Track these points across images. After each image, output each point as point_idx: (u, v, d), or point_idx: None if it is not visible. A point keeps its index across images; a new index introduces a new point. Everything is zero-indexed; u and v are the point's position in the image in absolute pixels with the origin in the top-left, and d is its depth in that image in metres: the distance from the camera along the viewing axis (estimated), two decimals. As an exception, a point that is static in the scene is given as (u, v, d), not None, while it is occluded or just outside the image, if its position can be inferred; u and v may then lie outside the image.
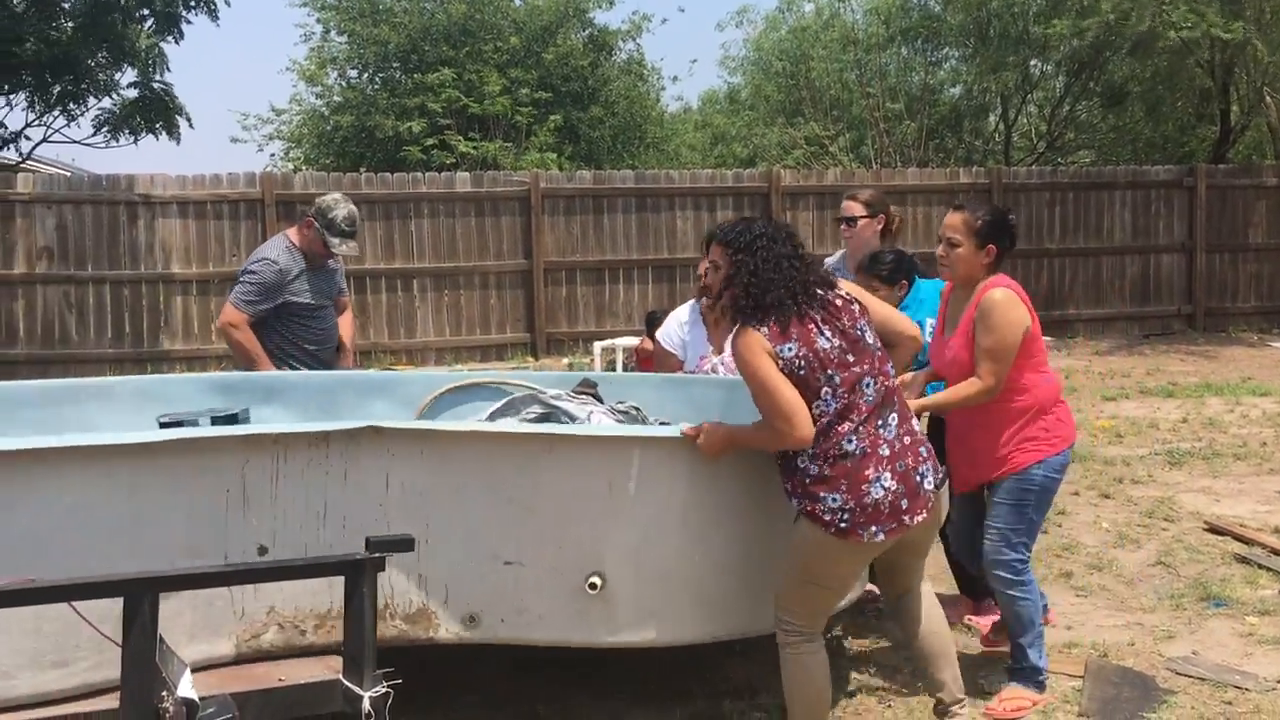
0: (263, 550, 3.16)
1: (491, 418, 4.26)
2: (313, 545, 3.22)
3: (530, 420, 4.16)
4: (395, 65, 21.03)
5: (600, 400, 4.45)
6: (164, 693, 2.84)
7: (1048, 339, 14.01)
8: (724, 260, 3.31)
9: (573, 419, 4.14)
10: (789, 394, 3.12)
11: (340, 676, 3.12)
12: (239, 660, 3.24)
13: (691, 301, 5.06)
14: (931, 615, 3.55)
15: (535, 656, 4.43)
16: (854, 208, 4.99)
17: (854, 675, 4.20)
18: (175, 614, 3.04)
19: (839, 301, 3.30)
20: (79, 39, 14.14)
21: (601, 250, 13.82)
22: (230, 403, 4.56)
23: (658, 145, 24.35)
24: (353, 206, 5.30)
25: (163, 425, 4.05)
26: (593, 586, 3.31)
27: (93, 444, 3.06)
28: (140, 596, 2.82)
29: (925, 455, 3.29)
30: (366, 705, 3.08)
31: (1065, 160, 21.17)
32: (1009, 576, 3.88)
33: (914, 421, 3.36)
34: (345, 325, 5.58)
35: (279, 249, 5.27)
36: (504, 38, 20.46)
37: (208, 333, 12.80)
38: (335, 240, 5.19)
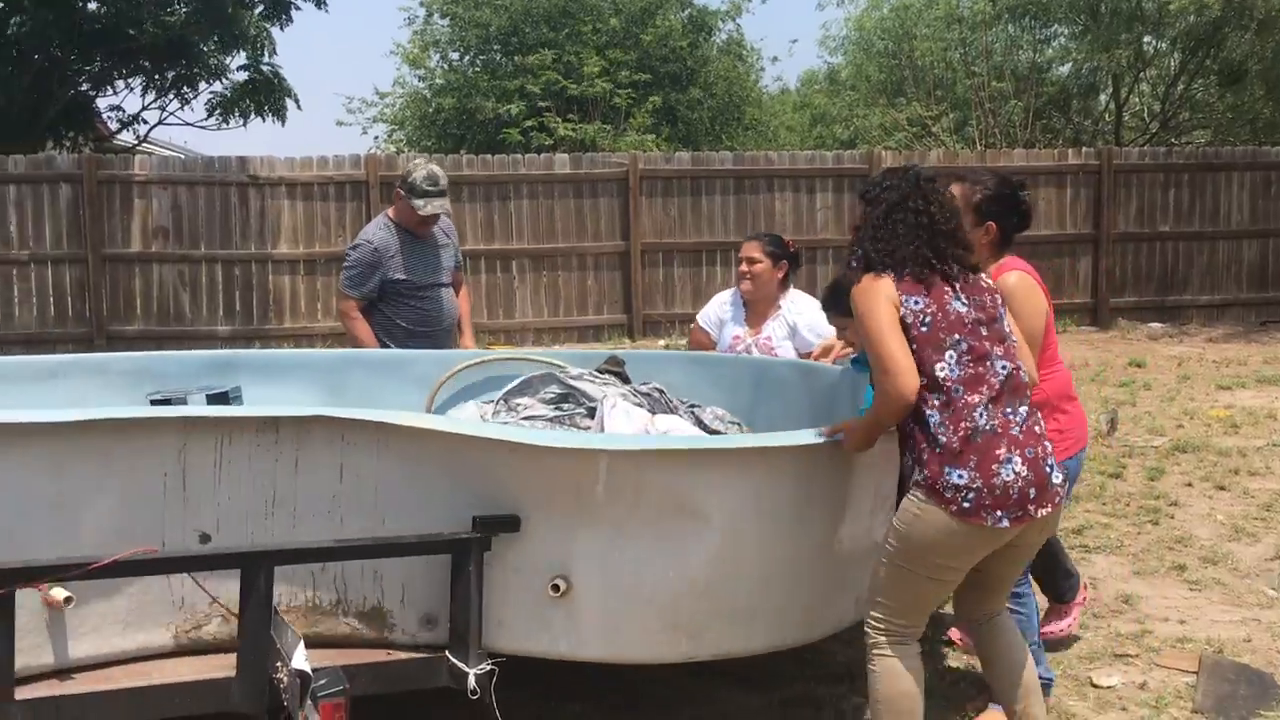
0: (204, 538, 3.01)
1: (507, 396, 4.13)
2: (258, 534, 3.07)
3: (546, 400, 4.04)
4: (496, 48, 21.23)
5: (625, 379, 4.32)
6: (278, 664, 2.93)
7: (1161, 325, 13.67)
8: (861, 217, 3.21)
9: (590, 400, 4.01)
10: (895, 344, 2.93)
11: (447, 653, 3.19)
12: (178, 652, 3.10)
13: (729, 291, 4.99)
14: (1021, 644, 3.26)
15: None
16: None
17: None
18: (109, 601, 2.96)
19: (982, 283, 3.14)
20: (192, 24, 14.56)
21: (699, 232, 13.77)
22: (230, 381, 4.50)
23: (756, 127, 24.18)
24: (434, 167, 5.12)
25: (153, 403, 4.04)
26: (555, 589, 3.12)
27: (13, 421, 2.91)
28: (256, 569, 2.91)
29: (1051, 450, 3.06)
30: (472, 682, 3.14)
31: (1179, 141, 20.46)
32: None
33: (1040, 416, 3.12)
34: (460, 304, 5.43)
35: (376, 227, 5.24)
36: (603, 19, 20.50)
37: (314, 311, 13.10)
38: (420, 202, 5.05)
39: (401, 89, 22.80)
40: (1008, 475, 2.90)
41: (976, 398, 2.94)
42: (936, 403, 2.95)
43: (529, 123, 19.15)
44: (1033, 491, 2.93)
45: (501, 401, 4.13)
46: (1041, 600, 4.50)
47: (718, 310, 4.92)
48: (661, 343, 13.06)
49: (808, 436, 3.25)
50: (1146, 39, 19.11)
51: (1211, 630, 4.47)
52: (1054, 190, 14.07)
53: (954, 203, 3.21)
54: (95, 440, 2.93)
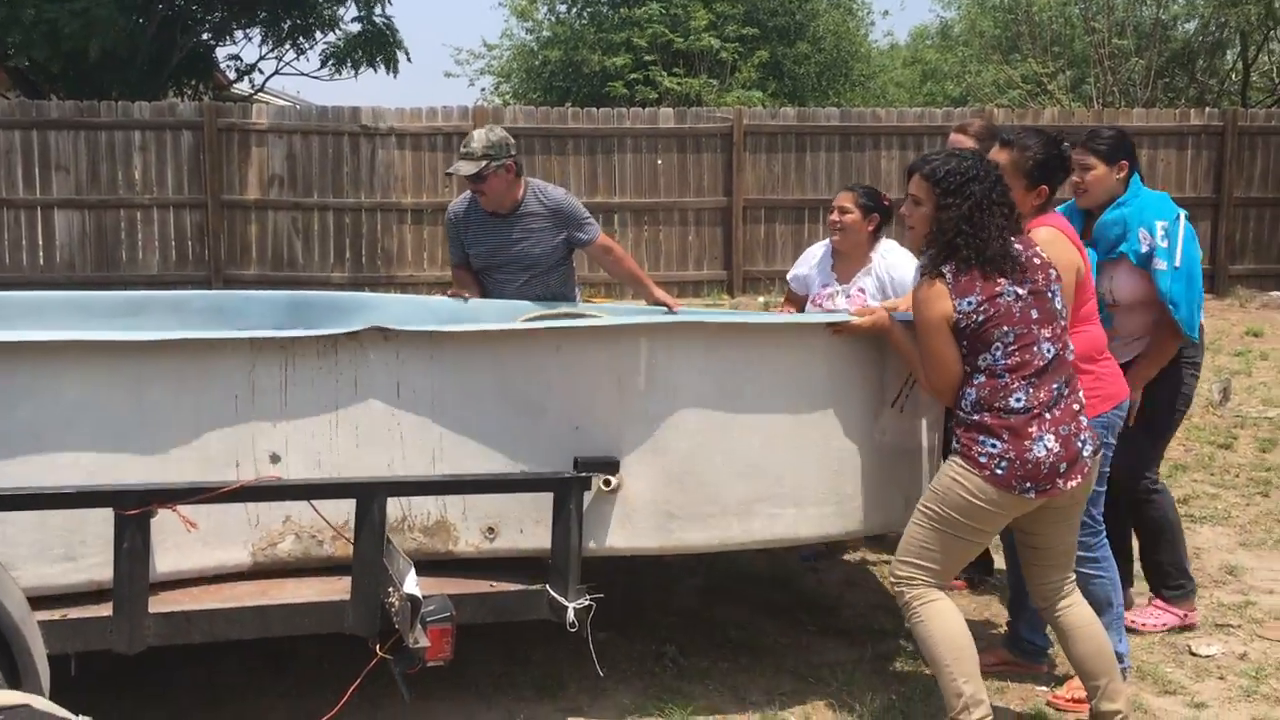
0: (275, 458, 3.11)
1: None
2: (325, 454, 3.20)
3: None
4: (603, 0, 21.18)
5: None
6: (390, 589, 3.08)
7: (1289, 293, 13.18)
8: (928, 198, 3.19)
9: None
10: (946, 356, 3.16)
11: (547, 587, 3.31)
12: (255, 572, 3.22)
13: (826, 241, 4.93)
14: (1095, 622, 3.31)
15: (727, 584, 4.56)
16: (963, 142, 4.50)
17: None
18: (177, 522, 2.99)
19: (1036, 260, 3.19)
20: (309, -25, 14.82)
21: (803, 189, 13.66)
22: (306, 321, 4.59)
23: (864, 83, 23.77)
24: (482, 130, 4.69)
25: None
26: (606, 484, 3.27)
27: (97, 340, 3.05)
28: (371, 498, 3.05)
29: (1086, 424, 3.18)
30: (571, 615, 3.25)
31: (1311, 102, 19.58)
32: (1079, 553, 3.47)
33: (1080, 394, 3.22)
34: (623, 263, 5.12)
35: (462, 195, 4.96)
36: (712, -29, 20.30)
37: (421, 259, 13.36)
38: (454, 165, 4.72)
39: (509, 41, 22.96)
40: (1040, 452, 3.06)
41: (1017, 382, 3.09)
42: (978, 382, 3.13)
43: (634, 76, 19.13)
44: (1063, 466, 3.08)
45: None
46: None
47: (807, 265, 4.86)
48: (761, 300, 13.03)
49: (840, 316, 3.47)
50: (1279, -5, 18.26)
51: (1319, 604, 4.39)
52: (1174, 151, 13.62)
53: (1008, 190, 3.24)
54: (171, 360, 3.05)
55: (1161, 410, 4.07)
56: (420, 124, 13.24)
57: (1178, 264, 3.88)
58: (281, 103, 19.46)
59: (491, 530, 3.33)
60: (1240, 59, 20.34)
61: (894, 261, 4.59)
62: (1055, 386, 3.12)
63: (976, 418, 3.11)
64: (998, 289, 3.10)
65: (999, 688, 3.66)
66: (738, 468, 3.37)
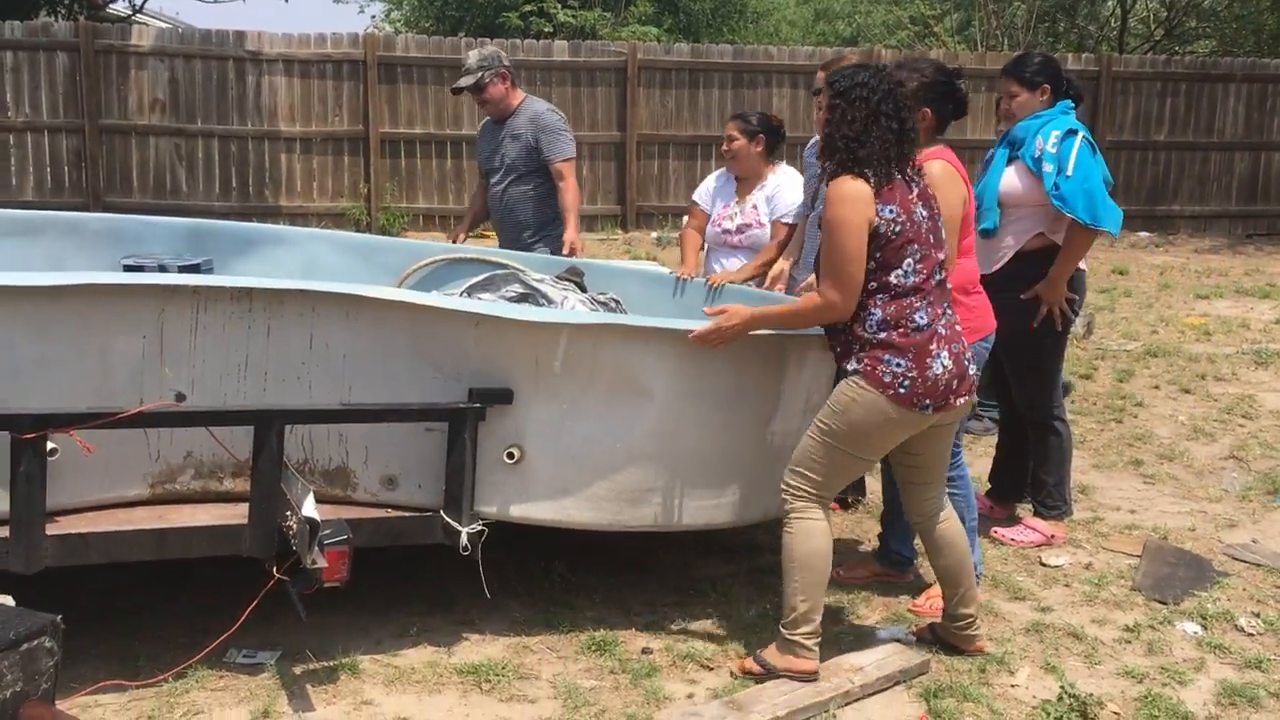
0: (180, 397, 3.10)
1: (469, 291, 4.33)
2: (232, 395, 3.25)
3: (507, 298, 4.20)
4: (498, -72, 20.81)
5: (583, 289, 4.53)
6: (288, 513, 3.17)
7: (1148, 234, 13.83)
8: (825, 99, 3.34)
9: (549, 302, 4.22)
10: (857, 267, 3.16)
11: (441, 512, 3.44)
12: (152, 502, 3.29)
13: (721, 169, 5.15)
14: (962, 535, 3.52)
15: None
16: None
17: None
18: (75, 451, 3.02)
19: (929, 188, 3.36)
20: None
21: (695, 125, 13.78)
22: (208, 251, 4.65)
23: (757, 20, 23.88)
24: (477, 48, 5.54)
25: (126, 268, 4.16)
26: (510, 456, 3.41)
27: (2, 284, 2.98)
28: (269, 426, 3.14)
29: (967, 345, 3.38)
30: (464, 539, 3.40)
31: (1183, 50, 20.33)
32: None
33: (957, 316, 3.39)
34: (562, 198, 5.32)
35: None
36: (608, -98, 20.10)
37: (310, 189, 13.16)
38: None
39: (400, -33, 22.43)
40: (939, 369, 3.21)
41: (919, 300, 3.22)
42: (883, 301, 3.21)
43: (529, 8, 18.93)
44: (955, 383, 3.26)
45: (465, 294, 4.33)
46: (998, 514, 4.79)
47: (712, 186, 5.06)
48: (654, 235, 13.19)
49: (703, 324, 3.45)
50: (1156, -57, 18.85)
51: (1159, 520, 4.77)
52: (1051, 95, 14.08)
53: (911, 97, 3.35)
54: (77, 303, 3.05)
55: (1041, 345, 4.37)
56: (309, 50, 12.98)
57: (1069, 172, 4.21)
58: (162, 25, 18.76)
59: (391, 481, 3.43)
60: (1119, 5, 20.98)
61: (783, 182, 4.80)
62: (946, 308, 3.31)
63: (883, 335, 3.18)
64: (910, 204, 3.21)
65: (865, 597, 3.93)
66: (636, 455, 3.49)
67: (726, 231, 4.87)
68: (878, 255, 3.19)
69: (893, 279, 3.20)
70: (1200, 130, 14.66)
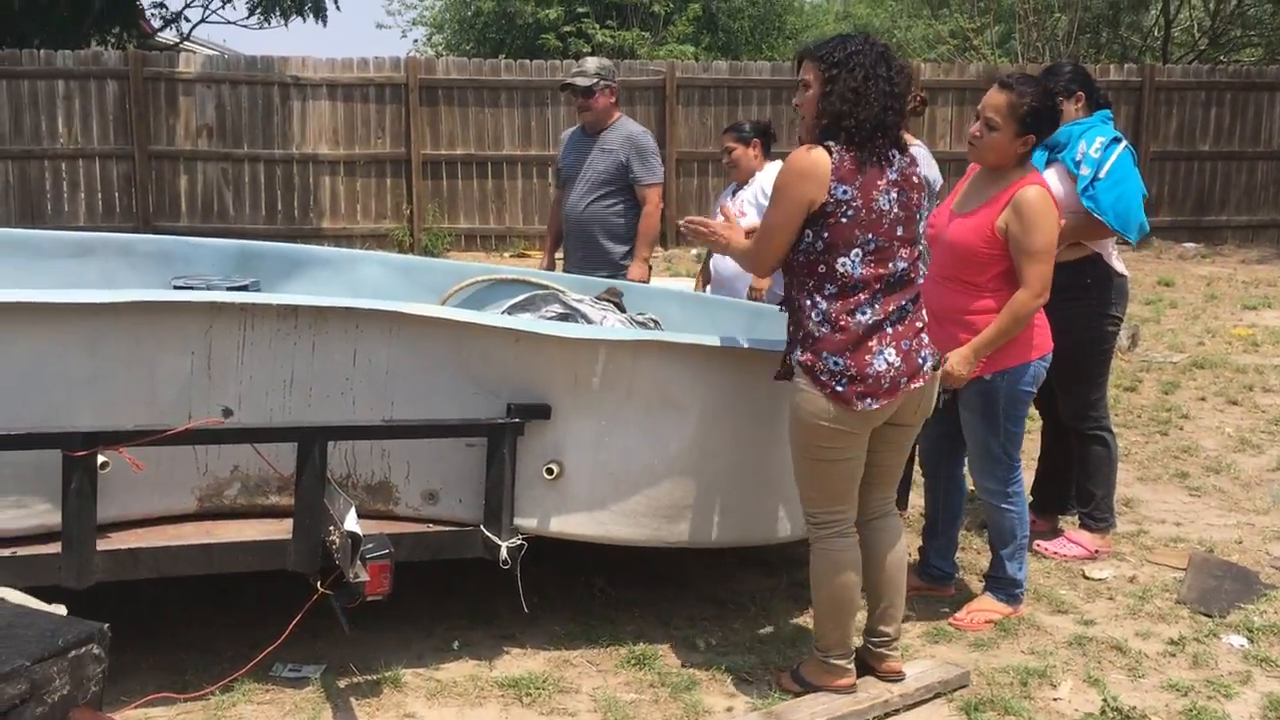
0: (227, 413, 3.20)
1: (511, 310, 4.38)
2: (278, 411, 3.30)
3: (548, 318, 4.23)
4: (537, -50, 21.02)
5: (622, 309, 4.56)
6: (330, 528, 3.23)
7: (1194, 245, 13.67)
8: (815, 78, 3.13)
9: (589, 321, 4.24)
10: (779, 242, 3.14)
11: (481, 526, 3.48)
12: (200, 516, 3.34)
13: (728, 186, 5.31)
14: (901, 548, 3.42)
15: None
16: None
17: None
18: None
19: (915, 178, 3.21)
20: (235, -78, 14.57)
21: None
22: (255, 272, 4.74)
23: (797, 36, 23.91)
24: (596, 57, 5.63)
25: (176, 288, 4.25)
26: (549, 472, 3.43)
27: (55, 302, 3.07)
28: (312, 442, 3.19)
29: (928, 342, 3.25)
30: (504, 553, 3.44)
31: (1228, 58, 20.09)
32: (992, 486, 3.82)
33: (924, 312, 3.28)
34: (642, 221, 5.36)
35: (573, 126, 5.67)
36: (646, -77, 20.23)
37: (354, 211, 13.35)
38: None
39: (441, -9, 22.71)
40: (880, 365, 3.09)
41: (864, 295, 3.09)
42: (829, 291, 3.10)
43: (567, 29, 19.08)
44: (903, 380, 3.13)
45: (505, 313, 4.39)
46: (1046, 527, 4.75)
47: (720, 199, 5.22)
48: (694, 252, 13.21)
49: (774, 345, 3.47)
50: (1200, -48, 18.66)
51: (1205, 532, 4.71)
52: (1093, 107, 13.97)
53: (905, 72, 3.19)
54: (129, 320, 3.12)
55: (1085, 356, 4.33)
56: (352, 75, 13.17)
57: (1103, 174, 4.21)
58: (209, 52, 19.13)
59: (432, 495, 3.48)
60: (1162, 15, 20.78)
61: (772, 171, 4.86)
62: (903, 303, 3.15)
63: (825, 331, 3.09)
64: (875, 191, 3.07)
65: (906, 612, 3.90)
66: (674, 470, 3.50)
67: None
68: (825, 235, 3.07)
69: (838, 266, 3.08)
70: (1246, 139, 14.48)
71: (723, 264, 5.09)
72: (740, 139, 5.09)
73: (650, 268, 5.49)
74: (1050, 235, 3.58)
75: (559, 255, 5.75)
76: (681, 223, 3.45)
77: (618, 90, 5.46)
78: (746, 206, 4.99)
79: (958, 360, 3.60)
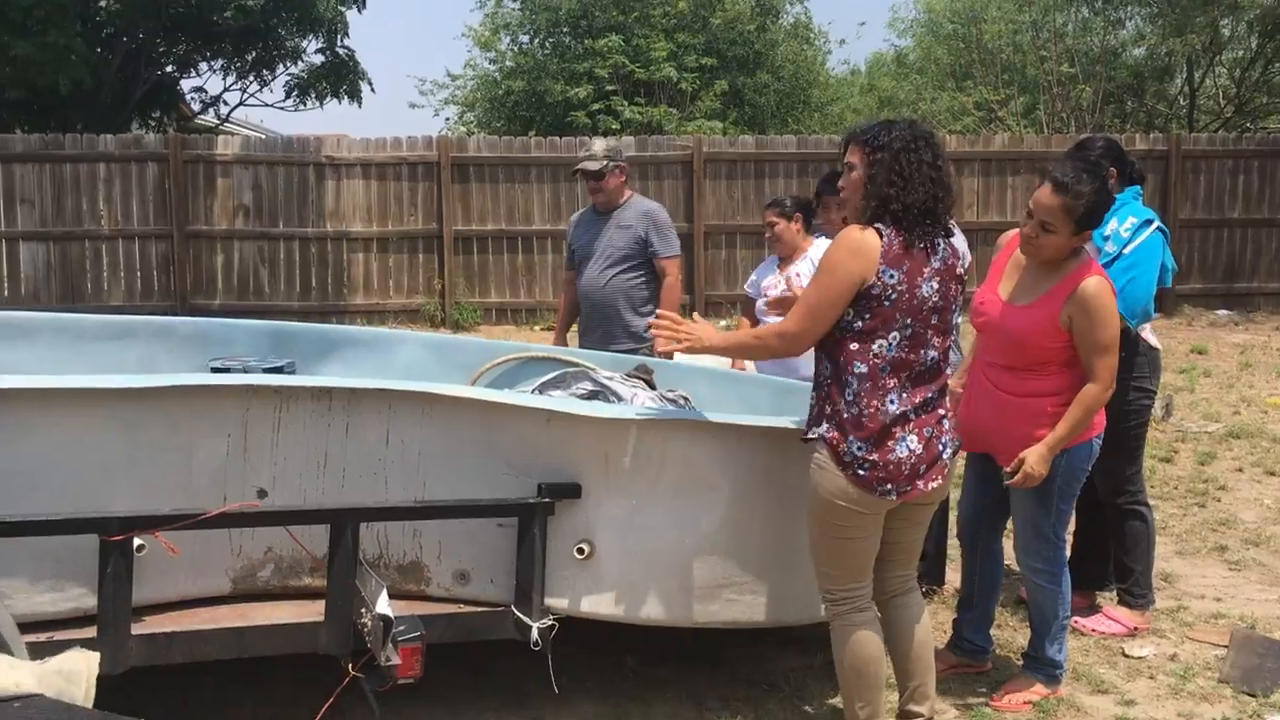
0: (262, 493, 3.24)
1: (542, 388, 4.40)
2: (311, 491, 3.33)
3: (578, 395, 4.24)
4: (565, 31, 21.45)
5: (652, 386, 4.57)
6: (362, 610, 3.23)
7: (1227, 312, 13.58)
8: (860, 161, 3.17)
9: (619, 399, 4.24)
10: (825, 317, 3.11)
11: (512, 607, 3.48)
12: (234, 597, 3.36)
13: (765, 260, 5.39)
14: (925, 625, 3.41)
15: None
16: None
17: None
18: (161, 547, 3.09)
19: (959, 270, 3.24)
20: (271, 9, 15.02)
21: (762, 214, 13.91)
22: (290, 352, 4.81)
23: (822, 109, 24.19)
24: (603, 139, 5.82)
25: (213, 369, 4.34)
26: (580, 551, 3.43)
27: (94, 387, 3.15)
28: (344, 524, 3.21)
29: (949, 428, 3.27)
30: (535, 635, 3.42)
31: (1255, 126, 20.11)
32: (1039, 566, 3.78)
33: (948, 400, 3.29)
34: (664, 293, 5.42)
35: (584, 208, 5.72)
36: (672, 3, 20.62)
37: (386, 288, 13.52)
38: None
39: (472, 71, 23.15)
40: (902, 452, 3.11)
41: (894, 381, 3.12)
42: (861, 371, 3.11)
43: (596, 106, 19.39)
44: (923, 468, 3.15)
45: (537, 391, 4.41)
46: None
47: (755, 275, 5.36)
48: (723, 323, 13.25)
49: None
50: (1223, 22, 18.78)
51: (1247, 608, 4.63)
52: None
53: (946, 160, 3.20)
54: (166, 404, 3.19)
55: (1120, 430, 4.28)
56: (385, 154, 13.43)
57: (1126, 252, 4.20)
58: (247, 133, 19.57)
59: (464, 576, 3.49)
60: (1187, 84, 20.88)
61: (821, 246, 4.92)
62: (931, 394, 3.17)
63: (853, 413, 3.10)
64: (920, 278, 3.09)
65: (941, 689, 3.86)
66: (705, 550, 3.50)
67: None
68: (866, 316, 3.09)
69: (874, 347, 3.10)
70: (1275, 206, 14.44)
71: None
72: (783, 214, 5.18)
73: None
74: (1115, 327, 3.57)
75: (572, 332, 5.81)
76: (649, 321, 3.45)
77: (627, 169, 5.54)
78: (802, 279, 5.02)
79: (1036, 461, 3.56)
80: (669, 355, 5.34)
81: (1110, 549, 4.55)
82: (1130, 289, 4.19)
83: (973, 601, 4.03)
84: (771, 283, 5.15)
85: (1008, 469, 3.62)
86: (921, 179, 3.10)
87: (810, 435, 3.23)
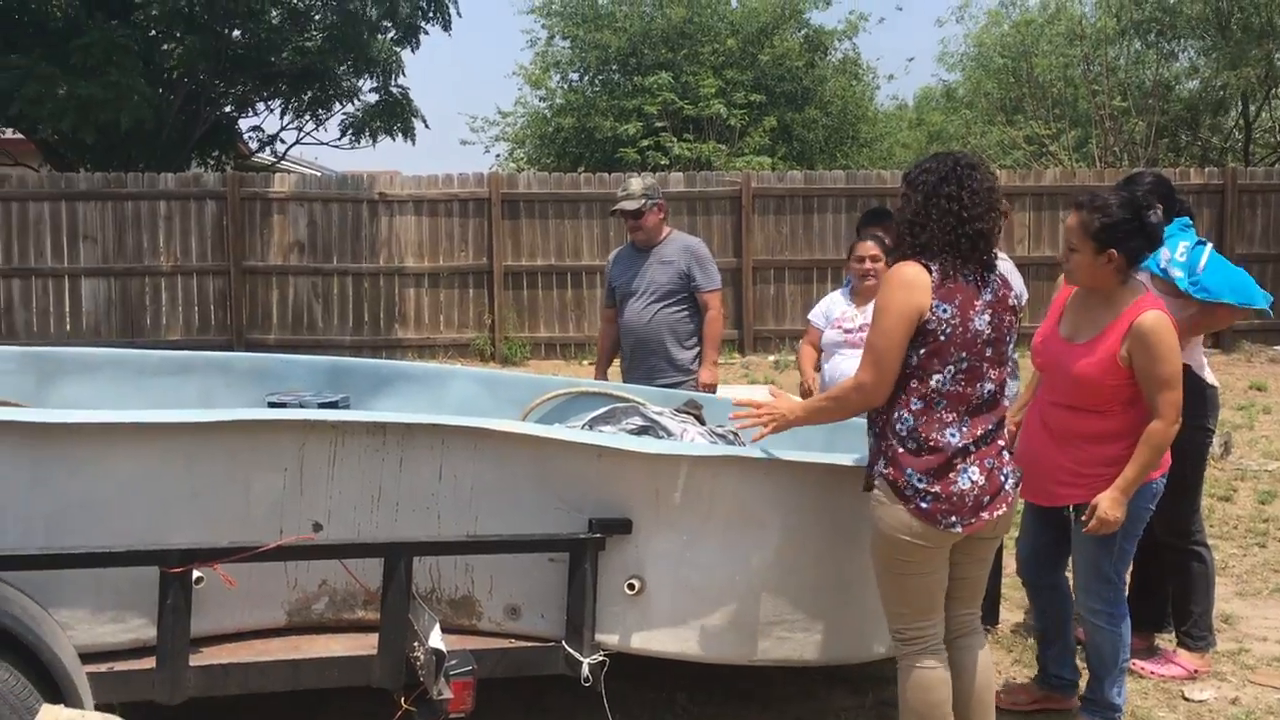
0: (317, 527, 3.28)
1: (592, 423, 4.39)
2: (365, 525, 3.37)
3: (628, 430, 4.23)
4: (615, 68, 21.68)
5: (702, 421, 4.55)
6: (415, 643, 3.26)
7: (1288, 349, 13.32)
8: (901, 195, 3.27)
9: (669, 434, 4.24)
10: (895, 357, 3.09)
11: (563, 643, 3.48)
12: (288, 630, 3.39)
13: (834, 292, 5.34)
14: (986, 666, 3.36)
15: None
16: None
17: None
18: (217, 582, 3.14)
19: (1011, 301, 3.24)
20: (327, 50, 15.30)
21: (810, 250, 13.93)
22: (345, 387, 4.87)
23: (871, 145, 24.18)
24: (640, 176, 5.86)
25: (270, 404, 4.40)
26: (630, 587, 3.42)
27: (156, 422, 3.23)
28: (398, 558, 3.25)
29: (1009, 459, 3.26)
30: (585, 670, 3.42)
31: (1313, 158, 19.84)
32: (1098, 607, 3.73)
33: (1006, 431, 3.26)
34: (707, 327, 5.47)
35: (620, 246, 5.77)
36: (721, 40, 20.79)
37: (437, 322, 13.66)
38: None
39: (523, 109, 23.46)
40: (964, 484, 3.10)
41: (953, 415, 3.11)
42: (917, 407, 3.11)
43: (645, 142, 19.54)
44: (986, 498, 3.12)
45: (587, 426, 4.43)
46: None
47: (824, 305, 5.25)
48: (771, 358, 13.25)
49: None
50: (1278, 55, 18.60)
51: (1311, 652, 4.53)
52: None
53: (989, 193, 3.15)
54: (225, 439, 3.24)
55: (1178, 470, 4.22)
56: (437, 190, 13.61)
57: (1201, 268, 4.21)
58: (303, 170, 19.92)
59: (515, 610, 3.50)
60: (1242, 118, 20.65)
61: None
62: (990, 426, 3.16)
63: (910, 446, 3.10)
64: (972, 311, 3.10)
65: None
66: (756, 587, 3.49)
67: (848, 331, 4.96)
68: (921, 351, 3.08)
69: (932, 381, 3.09)
70: (1336, 240, 14.19)
71: (835, 373, 5.02)
72: (885, 248, 4.92)
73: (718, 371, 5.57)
74: (1177, 362, 3.54)
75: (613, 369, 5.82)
76: (729, 416, 3.52)
77: (665, 206, 5.55)
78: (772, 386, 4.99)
79: (1110, 505, 3.53)
80: (715, 384, 5.37)
81: (1168, 590, 4.47)
82: (1235, 280, 4.21)
83: (1050, 635, 4.00)
84: (849, 313, 5.01)
85: (1083, 516, 3.58)
86: (939, 214, 3.10)
87: (872, 477, 3.21)
